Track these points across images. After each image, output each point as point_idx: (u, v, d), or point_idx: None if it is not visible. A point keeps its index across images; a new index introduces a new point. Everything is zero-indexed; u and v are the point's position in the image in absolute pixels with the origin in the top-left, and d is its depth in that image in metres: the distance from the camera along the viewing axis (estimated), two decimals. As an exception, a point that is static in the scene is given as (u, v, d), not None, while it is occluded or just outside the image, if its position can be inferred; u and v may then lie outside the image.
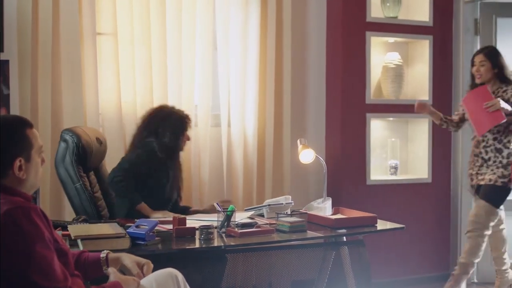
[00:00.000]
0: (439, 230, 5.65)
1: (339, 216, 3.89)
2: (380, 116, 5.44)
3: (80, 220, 3.49)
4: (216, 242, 3.19)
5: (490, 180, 4.63)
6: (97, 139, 4.08)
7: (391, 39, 5.51)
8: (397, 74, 5.46)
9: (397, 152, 5.62)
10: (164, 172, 4.02)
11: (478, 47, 5.54)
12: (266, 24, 5.09)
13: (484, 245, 4.67)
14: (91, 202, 3.78)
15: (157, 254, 3.00)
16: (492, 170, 4.66)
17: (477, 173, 4.75)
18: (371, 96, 5.38)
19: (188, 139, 4.16)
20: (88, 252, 2.68)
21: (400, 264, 5.47)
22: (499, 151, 4.66)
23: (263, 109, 5.10)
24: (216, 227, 3.36)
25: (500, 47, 5.52)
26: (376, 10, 5.39)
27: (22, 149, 2.31)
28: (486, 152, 4.70)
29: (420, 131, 5.66)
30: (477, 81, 4.73)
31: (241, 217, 3.69)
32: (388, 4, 5.43)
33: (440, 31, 5.56)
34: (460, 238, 5.57)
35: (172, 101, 4.74)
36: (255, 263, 3.81)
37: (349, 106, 5.26)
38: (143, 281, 2.54)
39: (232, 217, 3.39)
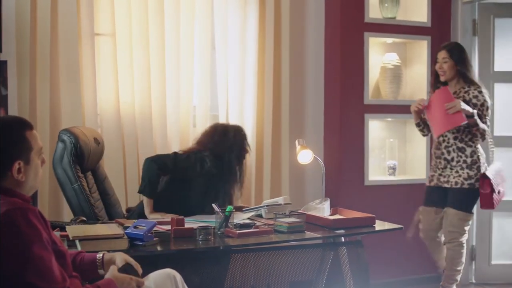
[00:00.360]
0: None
1: (337, 216, 3.89)
2: (378, 116, 5.44)
3: (78, 220, 3.49)
4: (215, 243, 3.19)
5: (456, 183, 4.48)
6: (95, 139, 4.08)
7: (389, 40, 5.52)
8: (395, 74, 5.46)
9: (395, 152, 5.62)
10: (204, 187, 3.99)
11: (477, 48, 5.55)
12: (264, 24, 5.09)
13: (464, 251, 4.57)
14: (89, 203, 3.78)
15: (155, 255, 3.00)
16: (456, 171, 4.50)
17: (440, 175, 4.58)
18: (370, 96, 5.38)
19: (247, 152, 4.18)
20: (85, 252, 2.68)
21: (399, 265, 5.47)
22: (461, 150, 4.50)
23: (261, 110, 5.10)
24: (214, 228, 3.36)
25: (498, 47, 5.55)
26: (374, 11, 5.40)
27: (21, 151, 2.30)
28: (449, 152, 4.53)
29: (418, 132, 5.64)
30: (441, 78, 4.59)
31: (239, 217, 3.69)
32: (386, 5, 5.43)
33: (439, 31, 5.56)
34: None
35: (170, 102, 4.76)
36: (253, 264, 3.81)
37: (347, 106, 5.27)
38: (141, 282, 2.54)
39: (231, 217, 3.39)
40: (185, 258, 3.20)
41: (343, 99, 5.26)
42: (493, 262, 5.62)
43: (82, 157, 3.84)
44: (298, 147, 4.18)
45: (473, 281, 5.61)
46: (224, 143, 4.04)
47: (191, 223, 3.50)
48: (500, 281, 5.56)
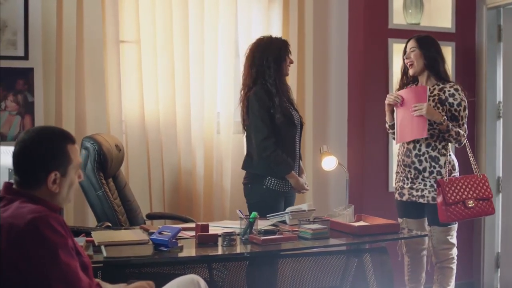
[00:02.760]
0: (462, 237, 5.60)
1: (361, 223, 3.88)
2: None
3: (103, 226, 3.53)
4: (239, 249, 3.20)
5: (433, 199, 4.14)
6: (116, 146, 4.12)
7: (413, 46, 5.50)
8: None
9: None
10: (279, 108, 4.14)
11: (502, 54, 5.51)
12: (288, 32, 5.11)
13: (455, 261, 4.34)
14: (113, 209, 3.81)
15: (179, 260, 3.02)
16: (431, 185, 4.15)
17: (411, 188, 4.21)
18: (393, 103, 5.37)
19: (292, 62, 4.34)
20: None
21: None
22: (434, 159, 4.14)
23: (285, 116, 5.11)
24: (238, 234, 3.37)
25: (524, 53, 5.51)
26: (398, 17, 5.38)
27: (60, 163, 2.33)
28: (420, 162, 4.15)
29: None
30: (410, 72, 4.24)
31: (264, 224, 3.69)
32: (410, 11, 5.42)
33: (463, 37, 5.53)
34: (483, 244, 5.52)
35: (194, 108, 4.79)
36: (277, 270, 3.81)
37: (371, 113, 5.25)
38: (165, 288, 2.56)
39: (255, 224, 3.40)
40: (209, 264, 3.22)
41: (367, 105, 5.25)
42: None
43: (105, 163, 3.88)
44: (322, 153, 4.18)
45: (499, 288, 5.57)
46: None
47: (215, 229, 3.51)
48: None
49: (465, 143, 4.21)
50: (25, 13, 4.35)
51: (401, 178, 4.30)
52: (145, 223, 4.14)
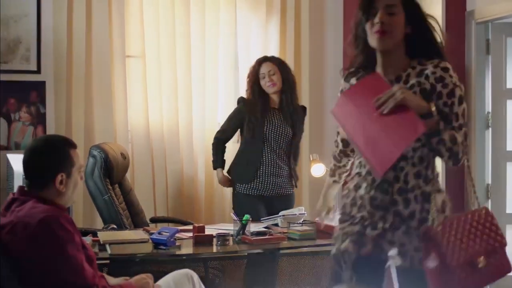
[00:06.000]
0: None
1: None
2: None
3: (109, 228, 3.82)
4: (232, 248, 3.48)
5: (419, 261, 2.35)
6: (122, 154, 4.39)
7: (405, 59, 5.73)
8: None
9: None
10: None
11: (490, 67, 5.71)
12: (285, 45, 5.35)
13: None
14: (118, 212, 4.09)
15: (176, 257, 3.29)
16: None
17: (379, 236, 2.48)
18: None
19: (271, 81, 4.49)
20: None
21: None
22: (425, 197, 2.44)
23: (282, 126, 5.35)
24: (232, 235, 3.65)
25: (510, 65, 5.73)
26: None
27: (65, 166, 2.63)
28: (407, 203, 2.44)
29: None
30: (376, 44, 2.46)
31: (258, 226, 3.96)
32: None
33: (453, 50, 5.70)
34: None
35: (196, 118, 5.06)
36: (276, 269, 4.03)
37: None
38: (161, 281, 2.84)
39: (247, 226, 3.68)
40: (204, 261, 3.49)
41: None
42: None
43: (111, 170, 4.16)
44: (311, 161, 4.45)
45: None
46: None
47: (211, 230, 3.79)
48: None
49: (464, 162, 2.52)
50: (38, 31, 4.67)
51: (357, 218, 2.54)
52: (148, 226, 4.41)
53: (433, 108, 2.37)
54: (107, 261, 3.20)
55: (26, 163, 2.63)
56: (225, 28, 5.20)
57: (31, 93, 4.67)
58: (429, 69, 2.46)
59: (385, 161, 2.29)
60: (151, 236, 3.39)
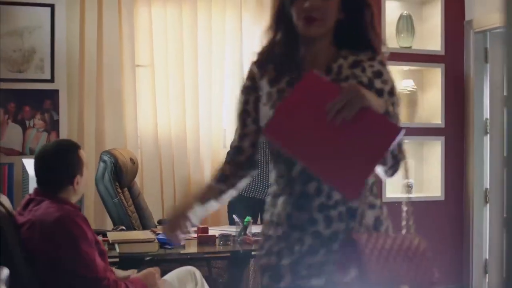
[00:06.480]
0: (452, 245, 5.93)
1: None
2: (395, 138, 5.82)
3: (118, 229, 4.03)
4: (233, 248, 3.68)
5: None
6: (131, 159, 4.59)
7: (405, 67, 5.92)
8: (411, 99, 5.86)
9: (412, 172, 5.99)
10: None
11: (488, 75, 5.86)
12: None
13: None
14: (127, 215, 4.29)
15: (181, 257, 3.49)
16: None
17: (310, 266, 2.03)
18: (387, 120, 5.77)
19: None
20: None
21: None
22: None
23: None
24: (234, 236, 3.85)
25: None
26: (391, 41, 5.79)
27: (79, 167, 2.86)
28: (329, 221, 2.01)
29: (434, 152, 5.99)
30: (305, 32, 2.03)
31: (259, 228, 4.14)
32: (402, 35, 5.84)
33: (452, 59, 5.89)
34: (471, 251, 5.85)
35: (203, 125, 5.24)
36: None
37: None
38: (166, 276, 3.04)
39: (249, 227, 3.87)
40: (207, 261, 3.69)
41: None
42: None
43: (121, 174, 4.36)
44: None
45: (487, 294, 5.65)
46: None
47: (214, 231, 3.99)
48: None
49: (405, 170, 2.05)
50: (52, 42, 4.87)
51: (280, 245, 2.06)
52: (156, 228, 4.61)
53: (390, 108, 1.94)
54: (116, 259, 3.39)
55: (41, 169, 2.84)
56: (231, 37, 5.38)
57: (45, 101, 4.87)
58: (365, 61, 2.06)
59: (355, 180, 1.84)
60: (158, 236, 3.59)
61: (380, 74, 2.06)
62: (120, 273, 3.00)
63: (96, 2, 4.93)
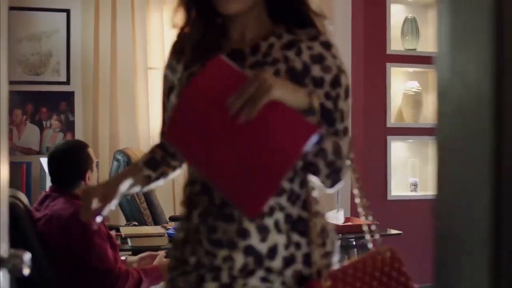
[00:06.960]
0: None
1: (348, 223, 4.48)
2: (400, 138, 6.00)
3: (131, 224, 4.22)
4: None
5: None
6: (143, 158, 4.78)
7: (410, 69, 6.08)
8: (416, 100, 6.01)
9: (416, 170, 6.16)
10: None
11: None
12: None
13: None
14: (139, 211, 4.49)
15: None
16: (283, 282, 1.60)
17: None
18: (393, 120, 5.94)
19: None
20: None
21: (416, 273, 5.95)
22: (296, 225, 1.65)
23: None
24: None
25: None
26: (396, 43, 5.95)
27: (89, 164, 3.06)
28: (264, 236, 1.57)
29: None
30: (223, 9, 1.57)
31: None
32: (407, 37, 5.99)
33: None
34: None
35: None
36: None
37: (371, 128, 5.84)
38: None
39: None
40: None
41: (367, 123, 5.84)
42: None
43: (133, 173, 4.54)
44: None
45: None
46: None
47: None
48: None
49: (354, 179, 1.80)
50: (68, 45, 5.08)
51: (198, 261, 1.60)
52: (167, 224, 4.80)
53: (316, 103, 1.49)
54: (129, 253, 3.58)
55: (54, 167, 3.04)
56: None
57: (61, 103, 5.05)
58: (303, 41, 1.59)
59: (257, 195, 1.45)
60: (167, 231, 3.78)
61: (320, 58, 1.58)
62: (131, 258, 3.22)
63: (110, 8, 5.11)
